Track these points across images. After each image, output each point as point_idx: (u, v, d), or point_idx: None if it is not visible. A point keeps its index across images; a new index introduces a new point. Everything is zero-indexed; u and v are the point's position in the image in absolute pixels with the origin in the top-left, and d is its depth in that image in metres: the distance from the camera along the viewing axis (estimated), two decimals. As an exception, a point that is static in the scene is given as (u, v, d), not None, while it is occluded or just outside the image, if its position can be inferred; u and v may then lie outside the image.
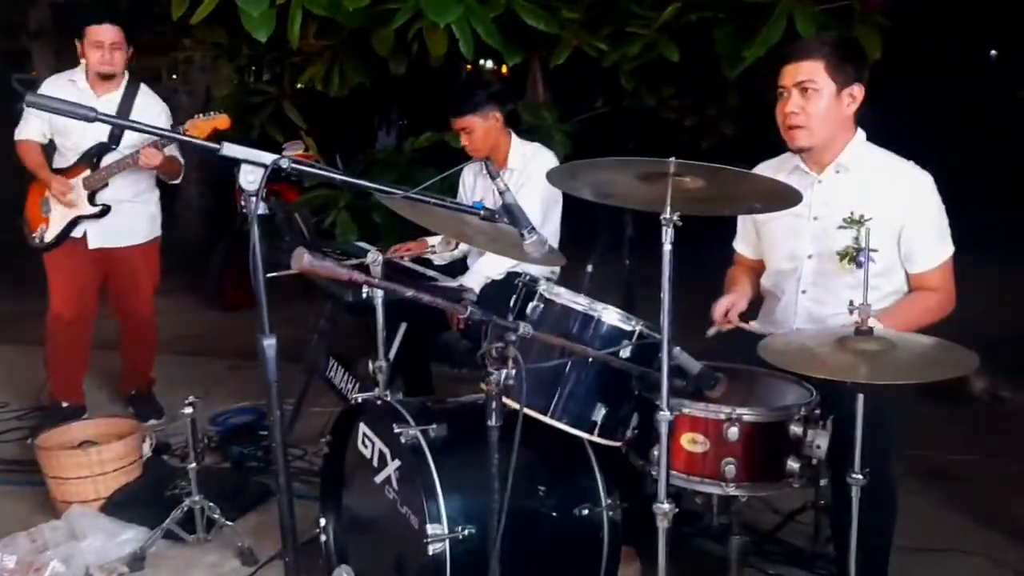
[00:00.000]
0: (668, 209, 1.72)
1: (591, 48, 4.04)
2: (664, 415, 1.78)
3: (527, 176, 3.15)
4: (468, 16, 3.48)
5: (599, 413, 1.96)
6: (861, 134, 2.31)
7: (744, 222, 2.57)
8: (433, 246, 2.87)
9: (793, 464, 1.92)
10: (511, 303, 2.05)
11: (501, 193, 1.87)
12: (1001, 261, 5.47)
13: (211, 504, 2.74)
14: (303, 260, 1.38)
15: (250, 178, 1.57)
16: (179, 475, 2.89)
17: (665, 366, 1.77)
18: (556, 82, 5.44)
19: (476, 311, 1.61)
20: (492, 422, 1.68)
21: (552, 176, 2.01)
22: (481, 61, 5.72)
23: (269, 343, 1.62)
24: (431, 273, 3.18)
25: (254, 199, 1.56)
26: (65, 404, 3.67)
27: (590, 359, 1.94)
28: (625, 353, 1.93)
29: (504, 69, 5.56)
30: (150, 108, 3.57)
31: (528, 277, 2.04)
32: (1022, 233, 6.19)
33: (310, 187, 4.63)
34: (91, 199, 3.49)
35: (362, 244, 3.69)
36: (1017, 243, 5.98)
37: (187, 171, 5.84)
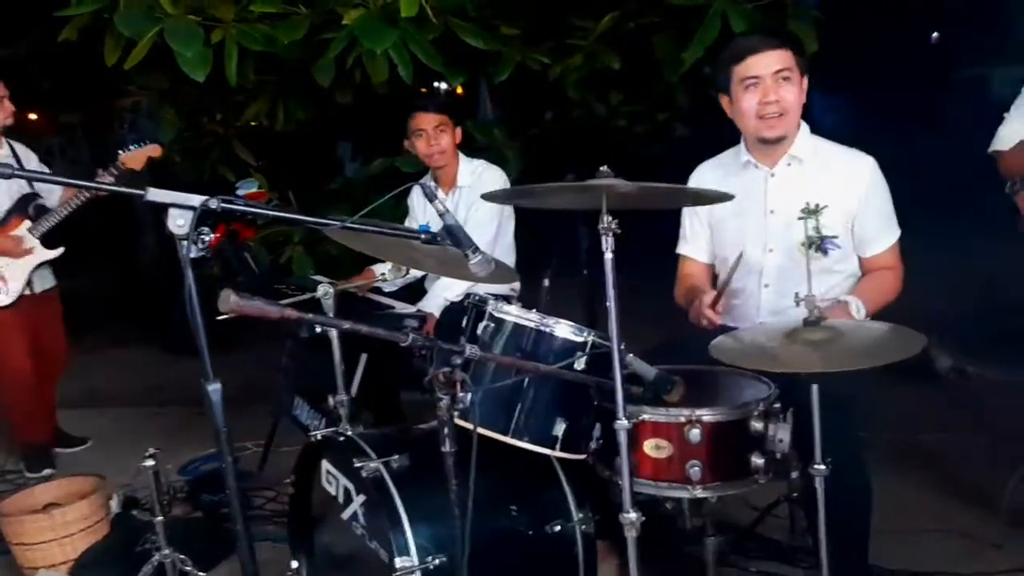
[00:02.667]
0: (605, 219, 1.72)
1: (534, 62, 4.05)
2: (622, 423, 1.76)
3: (478, 194, 3.14)
4: (405, 40, 3.46)
5: (560, 428, 1.92)
6: (805, 126, 2.34)
7: (693, 224, 2.55)
8: (384, 273, 2.85)
9: (757, 460, 1.92)
10: (463, 325, 2.02)
11: (441, 215, 1.85)
12: (949, 242, 5.51)
13: (182, 556, 2.66)
14: (229, 301, 1.35)
15: (179, 222, 1.54)
16: (148, 530, 2.80)
17: (618, 374, 1.75)
18: (505, 99, 5.45)
19: (418, 338, 1.58)
20: (446, 447, 1.66)
21: (490, 199, 2.00)
22: (436, 83, 5.72)
23: (214, 388, 1.62)
24: (388, 301, 3.15)
25: (186, 243, 1.53)
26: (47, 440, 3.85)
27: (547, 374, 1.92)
28: (580, 365, 1.91)
29: (459, 90, 5.55)
30: (30, 155, 3.70)
31: (476, 298, 2.02)
32: (969, 213, 6.25)
33: (264, 224, 4.59)
34: (44, 242, 3.57)
35: (318, 278, 3.65)
36: (964, 223, 6.03)
37: (145, 217, 5.90)
